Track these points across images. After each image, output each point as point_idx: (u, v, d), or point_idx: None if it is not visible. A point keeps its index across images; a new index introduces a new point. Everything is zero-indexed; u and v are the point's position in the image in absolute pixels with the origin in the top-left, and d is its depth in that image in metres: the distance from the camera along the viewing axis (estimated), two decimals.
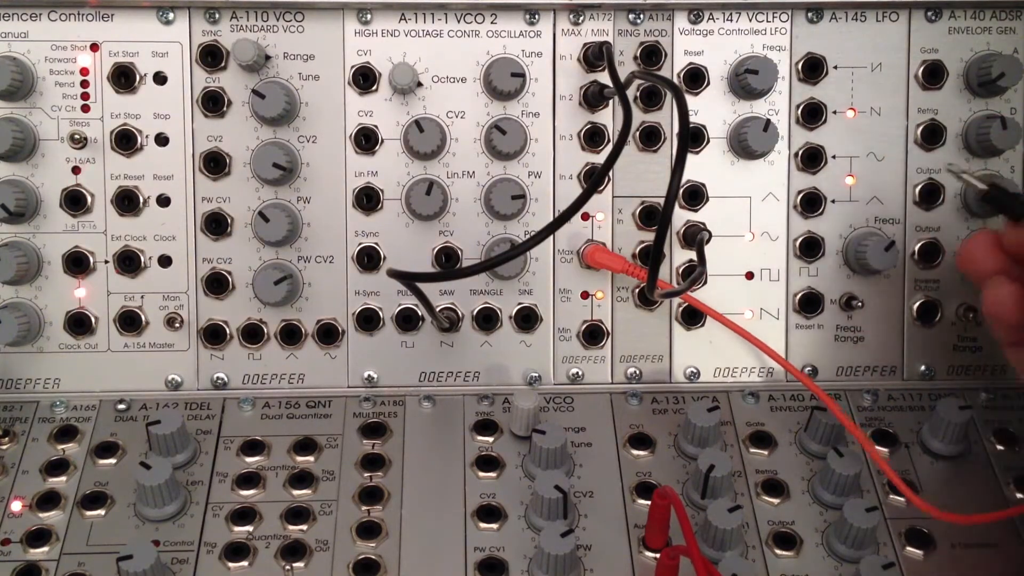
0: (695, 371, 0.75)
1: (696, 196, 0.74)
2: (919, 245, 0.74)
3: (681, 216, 0.74)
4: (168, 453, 0.66)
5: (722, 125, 0.73)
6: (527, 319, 0.74)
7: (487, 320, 0.74)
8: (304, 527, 0.64)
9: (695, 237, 0.72)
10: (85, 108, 0.71)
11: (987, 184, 0.61)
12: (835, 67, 0.73)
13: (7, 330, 0.69)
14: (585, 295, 0.74)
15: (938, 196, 0.74)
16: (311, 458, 0.68)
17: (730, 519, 0.61)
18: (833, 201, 0.74)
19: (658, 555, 0.60)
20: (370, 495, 0.65)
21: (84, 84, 0.71)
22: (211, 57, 0.71)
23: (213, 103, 0.71)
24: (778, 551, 0.63)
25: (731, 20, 0.73)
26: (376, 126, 0.72)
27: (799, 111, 0.73)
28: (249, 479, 0.66)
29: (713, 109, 0.73)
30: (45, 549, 0.62)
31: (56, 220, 0.72)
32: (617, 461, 0.69)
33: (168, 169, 0.72)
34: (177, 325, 0.72)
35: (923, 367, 0.75)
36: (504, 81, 0.70)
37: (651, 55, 0.73)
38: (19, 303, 0.72)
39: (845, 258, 0.74)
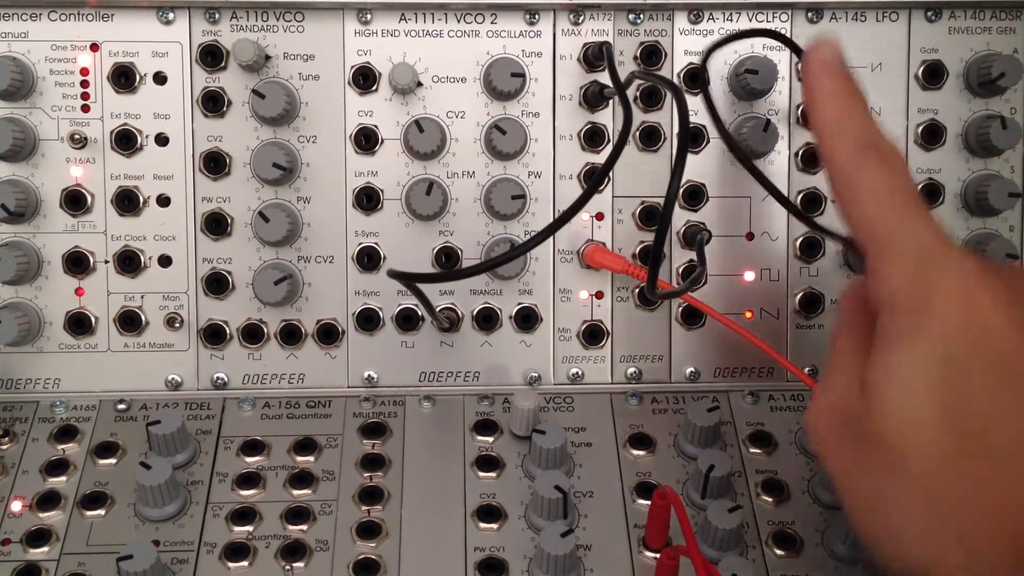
0: (695, 371, 0.75)
1: (696, 196, 0.74)
2: None
3: (681, 216, 0.74)
4: (168, 453, 0.66)
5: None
6: (527, 319, 0.74)
7: (487, 320, 0.74)
8: (304, 527, 0.64)
9: (695, 237, 0.72)
10: (85, 108, 0.72)
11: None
12: None
13: (7, 330, 0.69)
14: (585, 295, 0.74)
15: (938, 196, 0.74)
16: (311, 458, 0.68)
17: (730, 519, 0.61)
18: (833, 201, 0.74)
19: (658, 555, 0.60)
20: (370, 495, 0.65)
21: (84, 84, 0.71)
22: (211, 57, 0.71)
23: (213, 103, 0.71)
24: (778, 551, 0.63)
25: (731, 20, 0.73)
26: (376, 126, 0.72)
27: (799, 111, 0.73)
28: (249, 479, 0.66)
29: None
30: (45, 549, 0.62)
31: (56, 220, 0.72)
32: (617, 461, 0.69)
33: (168, 169, 0.72)
34: (177, 325, 0.72)
35: None
36: (504, 81, 0.70)
37: (651, 55, 0.73)
38: (19, 303, 0.72)
39: (846, 258, 0.74)
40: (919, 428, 0.46)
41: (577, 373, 0.75)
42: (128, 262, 0.72)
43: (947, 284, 0.46)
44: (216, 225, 0.72)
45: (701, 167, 0.73)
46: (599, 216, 0.74)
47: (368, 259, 0.73)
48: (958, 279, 0.47)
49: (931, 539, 0.46)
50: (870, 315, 0.50)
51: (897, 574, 0.48)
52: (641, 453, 0.69)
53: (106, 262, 0.72)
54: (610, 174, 0.73)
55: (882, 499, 0.47)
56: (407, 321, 0.73)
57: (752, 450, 0.69)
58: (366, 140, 0.72)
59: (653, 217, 0.74)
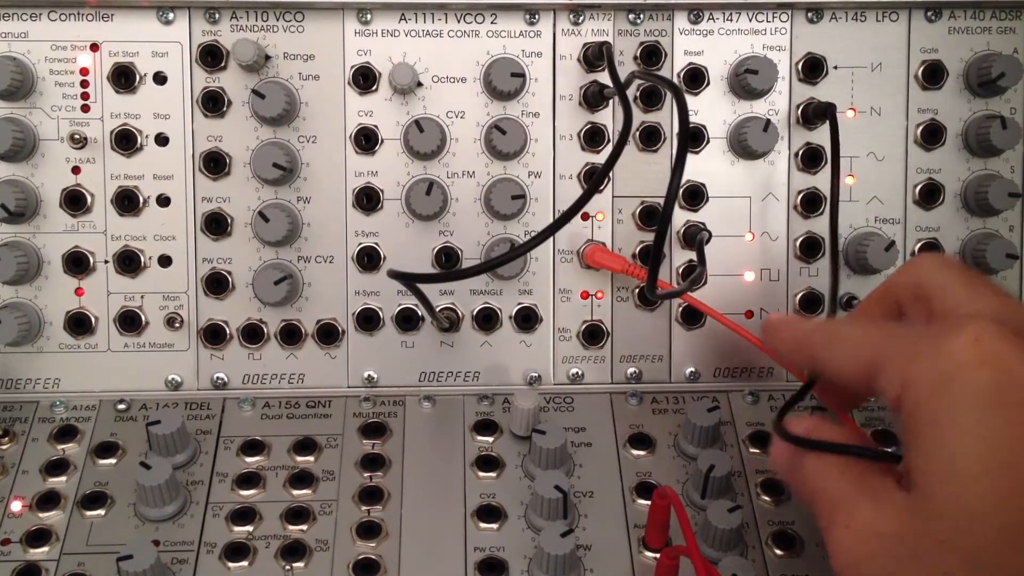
0: (695, 371, 0.75)
1: (696, 196, 0.74)
2: (919, 245, 0.74)
3: (681, 216, 0.74)
4: (168, 453, 0.66)
5: (722, 125, 0.73)
6: (527, 319, 0.74)
7: (487, 320, 0.74)
8: (304, 527, 0.64)
9: (695, 237, 0.72)
10: (85, 108, 0.72)
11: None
12: (835, 67, 0.73)
13: (7, 330, 0.69)
14: (585, 295, 0.74)
15: (938, 196, 0.74)
16: (311, 458, 0.68)
17: (730, 519, 0.61)
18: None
19: (658, 555, 0.60)
20: (370, 495, 0.65)
21: (84, 84, 0.71)
22: (211, 57, 0.71)
23: (213, 103, 0.71)
24: (778, 551, 0.63)
25: (731, 20, 0.73)
26: (376, 126, 0.72)
27: (799, 111, 0.73)
28: (249, 479, 0.66)
29: (713, 109, 0.73)
30: (45, 549, 0.62)
31: (56, 220, 0.72)
32: (617, 461, 0.69)
33: (168, 169, 0.72)
34: (177, 325, 0.72)
35: None
36: (504, 81, 0.70)
37: (651, 55, 0.73)
38: (19, 303, 0.72)
39: (845, 258, 0.74)
40: (984, 509, 0.42)
41: (577, 373, 0.75)
42: (128, 262, 0.72)
43: (963, 350, 0.44)
44: (216, 225, 0.72)
45: (701, 167, 0.73)
46: (599, 216, 0.74)
47: (368, 259, 0.73)
48: (972, 343, 0.44)
49: None
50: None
51: None
52: (641, 453, 0.69)
53: (106, 262, 0.72)
54: (610, 174, 0.73)
55: None
56: (407, 321, 0.73)
57: (752, 450, 0.69)
58: (366, 140, 0.72)
59: (653, 217, 0.74)
